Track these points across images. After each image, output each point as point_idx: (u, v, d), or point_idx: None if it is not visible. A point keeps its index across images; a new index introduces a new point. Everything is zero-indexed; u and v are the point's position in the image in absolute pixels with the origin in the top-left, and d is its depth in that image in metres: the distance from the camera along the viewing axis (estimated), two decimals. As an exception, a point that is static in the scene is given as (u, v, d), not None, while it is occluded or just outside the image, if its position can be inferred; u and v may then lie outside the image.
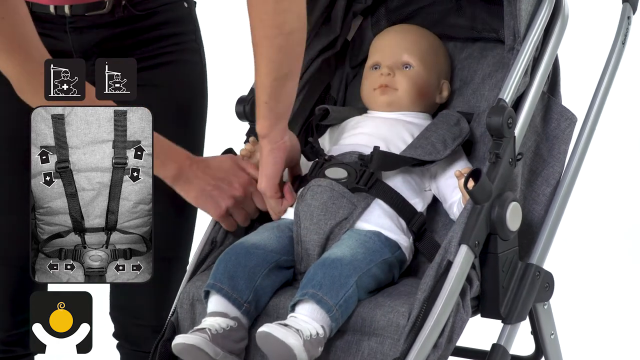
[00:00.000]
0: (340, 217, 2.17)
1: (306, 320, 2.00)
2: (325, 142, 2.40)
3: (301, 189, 2.23)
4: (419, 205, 2.24)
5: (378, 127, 2.30)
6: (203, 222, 2.34)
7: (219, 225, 2.31)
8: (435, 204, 2.30)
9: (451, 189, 2.23)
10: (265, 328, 1.98)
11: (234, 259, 2.12)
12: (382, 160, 2.19)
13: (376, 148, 2.20)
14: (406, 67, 2.35)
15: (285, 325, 1.98)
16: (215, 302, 2.10)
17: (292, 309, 2.03)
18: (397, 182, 2.23)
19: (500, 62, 2.36)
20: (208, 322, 2.07)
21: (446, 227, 2.28)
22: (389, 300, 2.06)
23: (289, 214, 2.25)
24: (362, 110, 2.41)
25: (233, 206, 2.26)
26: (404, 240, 2.20)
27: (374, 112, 2.37)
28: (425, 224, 2.25)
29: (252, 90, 2.35)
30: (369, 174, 2.21)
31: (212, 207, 2.25)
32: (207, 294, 2.12)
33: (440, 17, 2.43)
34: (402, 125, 2.30)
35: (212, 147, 2.46)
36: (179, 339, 2.04)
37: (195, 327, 2.06)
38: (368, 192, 2.20)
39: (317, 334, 2.00)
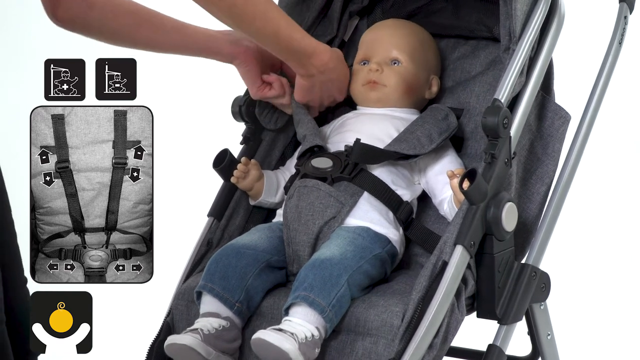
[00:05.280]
0: (328, 216, 2.17)
1: (300, 323, 2.00)
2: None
3: (289, 191, 2.24)
4: (407, 196, 2.24)
5: (364, 125, 2.30)
6: (200, 223, 2.35)
7: (215, 226, 2.32)
8: (426, 198, 2.30)
9: (441, 185, 2.23)
10: (260, 334, 1.98)
11: (224, 259, 2.12)
12: (363, 152, 2.20)
13: (357, 140, 2.21)
14: (395, 63, 2.35)
15: (280, 329, 1.98)
16: (207, 303, 2.10)
17: (286, 312, 2.03)
18: (384, 173, 2.23)
19: (492, 60, 2.36)
20: (200, 323, 2.07)
21: (438, 222, 2.29)
22: (382, 300, 2.06)
23: (281, 216, 2.26)
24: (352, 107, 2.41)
25: (326, 104, 2.37)
26: (393, 234, 2.20)
27: (363, 109, 2.38)
28: (412, 212, 2.25)
29: (247, 92, 2.37)
30: (353, 164, 2.21)
31: (308, 97, 2.34)
32: (199, 295, 2.12)
33: (436, 17, 2.43)
34: (389, 121, 2.30)
35: (209, 146, 2.47)
36: (171, 340, 2.04)
37: (188, 328, 2.07)
38: (352, 181, 2.20)
39: (312, 335, 2.00)
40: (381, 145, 2.23)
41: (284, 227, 2.19)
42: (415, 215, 2.27)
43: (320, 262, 2.06)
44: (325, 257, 2.07)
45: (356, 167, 2.21)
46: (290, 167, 2.37)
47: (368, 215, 2.19)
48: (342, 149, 2.25)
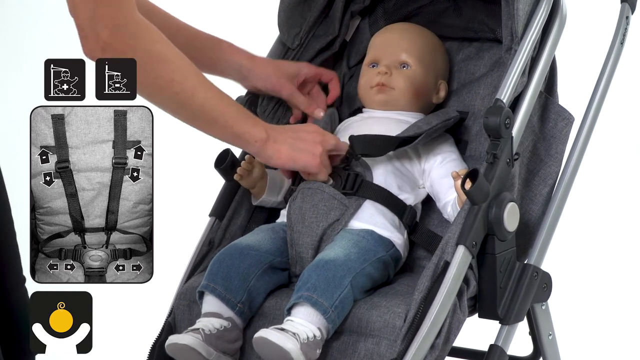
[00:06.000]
0: (332, 218, 2.17)
1: (302, 323, 2.00)
2: None
3: (293, 192, 2.23)
4: (410, 200, 2.24)
5: (370, 128, 2.30)
6: (200, 223, 2.34)
7: (217, 225, 2.32)
8: (430, 202, 2.30)
9: (445, 188, 2.23)
10: (262, 333, 1.98)
11: (227, 259, 2.12)
12: (363, 144, 2.20)
13: (351, 136, 2.21)
14: (404, 67, 2.35)
15: (282, 329, 1.98)
16: (209, 303, 2.10)
17: (288, 312, 2.03)
18: (389, 177, 2.23)
19: (496, 62, 2.36)
20: (202, 323, 2.07)
21: (441, 225, 2.29)
22: (384, 301, 2.06)
23: (284, 217, 2.25)
24: (357, 110, 2.41)
25: (322, 152, 2.21)
26: (397, 238, 2.20)
27: (369, 111, 2.38)
28: (416, 216, 2.25)
29: (249, 91, 2.37)
30: (353, 177, 2.21)
31: (309, 158, 2.20)
32: (201, 295, 2.13)
33: (438, 17, 2.43)
34: (395, 125, 2.30)
35: (210, 147, 2.46)
36: (172, 339, 2.05)
37: (189, 328, 2.07)
38: (356, 194, 2.20)
39: (314, 336, 2.00)
40: None
41: (288, 229, 2.19)
42: (419, 219, 2.27)
43: (325, 263, 2.06)
44: (329, 258, 2.07)
45: (357, 180, 2.21)
46: None
47: (373, 219, 2.19)
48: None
